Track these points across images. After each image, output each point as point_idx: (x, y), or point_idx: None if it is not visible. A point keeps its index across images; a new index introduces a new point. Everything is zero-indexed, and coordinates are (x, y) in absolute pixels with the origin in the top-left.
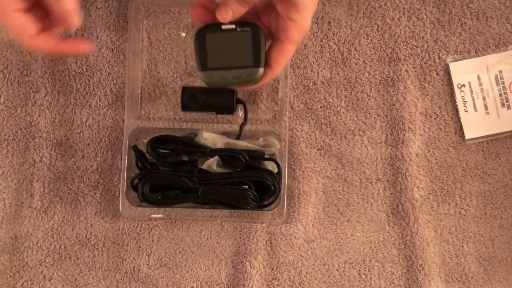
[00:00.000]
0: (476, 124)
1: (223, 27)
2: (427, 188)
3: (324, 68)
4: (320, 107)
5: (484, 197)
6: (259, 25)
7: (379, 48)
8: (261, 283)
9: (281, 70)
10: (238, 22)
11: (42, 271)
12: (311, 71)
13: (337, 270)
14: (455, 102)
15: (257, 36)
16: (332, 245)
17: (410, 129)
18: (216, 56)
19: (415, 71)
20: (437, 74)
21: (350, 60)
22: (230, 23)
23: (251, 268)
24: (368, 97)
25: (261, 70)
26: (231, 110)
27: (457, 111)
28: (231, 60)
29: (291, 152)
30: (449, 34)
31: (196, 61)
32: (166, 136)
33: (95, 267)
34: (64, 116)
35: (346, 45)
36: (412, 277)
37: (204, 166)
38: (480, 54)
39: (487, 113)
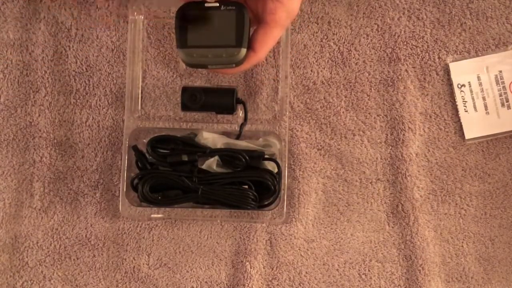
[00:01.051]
0: (476, 124)
1: (207, 4)
2: (427, 188)
3: (324, 68)
4: (320, 107)
5: (484, 197)
6: (244, 5)
7: (379, 48)
8: (261, 283)
9: (265, 55)
10: (223, 1)
11: (42, 271)
12: (311, 71)
13: (337, 270)
14: (455, 102)
15: (241, 16)
16: (332, 245)
17: (410, 129)
18: (197, 34)
19: (415, 71)
20: (437, 74)
21: (350, 60)
22: (214, 1)
23: (251, 268)
24: (368, 97)
25: (244, 50)
26: (231, 110)
27: (457, 111)
28: (212, 38)
29: (291, 152)
30: (449, 34)
31: (176, 38)
32: (166, 136)
33: (95, 267)
34: (64, 116)
35: (346, 45)
36: (412, 277)
37: (204, 166)
38: (480, 54)
39: (487, 113)
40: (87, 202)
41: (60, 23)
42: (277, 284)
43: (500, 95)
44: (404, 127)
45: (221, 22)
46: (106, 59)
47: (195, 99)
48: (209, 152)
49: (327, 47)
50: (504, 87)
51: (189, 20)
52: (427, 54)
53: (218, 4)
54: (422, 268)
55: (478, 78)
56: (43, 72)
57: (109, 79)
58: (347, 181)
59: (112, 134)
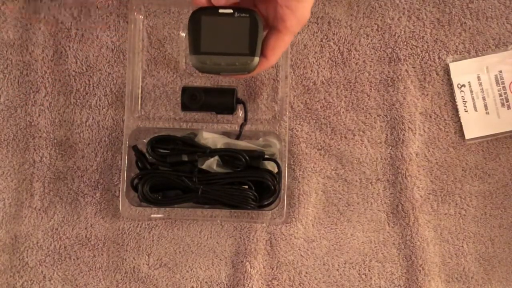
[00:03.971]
0: (476, 124)
1: (221, 11)
2: (427, 188)
3: (324, 68)
4: (320, 107)
5: (484, 197)
6: (257, 13)
7: (379, 48)
8: (261, 283)
9: (276, 61)
10: (236, 8)
11: (42, 271)
12: (311, 71)
13: (337, 270)
14: (455, 102)
15: (255, 24)
16: (332, 245)
17: (410, 129)
18: (210, 40)
19: (415, 71)
20: (437, 74)
21: (350, 60)
22: (228, 7)
23: (251, 268)
24: (368, 97)
25: (257, 59)
26: (231, 110)
27: (457, 111)
28: (226, 46)
29: (291, 152)
30: (449, 34)
31: (189, 44)
32: (166, 136)
33: (95, 267)
34: (64, 116)
35: (346, 45)
36: (412, 277)
37: (204, 166)
38: (480, 54)
39: (487, 113)
40: (87, 202)
41: (60, 23)
42: (277, 284)
43: (500, 95)
44: (404, 127)
45: (234, 29)
46: (106, 59)
47: (195, 99)
48: (209, 152)
49: (327, 47)
50: (504, 87)
51: (202, 26)
52: (427, 54)
53: (232, 11)
54: (422, 268)
55: (478, 78)
56: (43, 72)
57: (109, 79)
58: (347, 181)
59: (112, 134)
